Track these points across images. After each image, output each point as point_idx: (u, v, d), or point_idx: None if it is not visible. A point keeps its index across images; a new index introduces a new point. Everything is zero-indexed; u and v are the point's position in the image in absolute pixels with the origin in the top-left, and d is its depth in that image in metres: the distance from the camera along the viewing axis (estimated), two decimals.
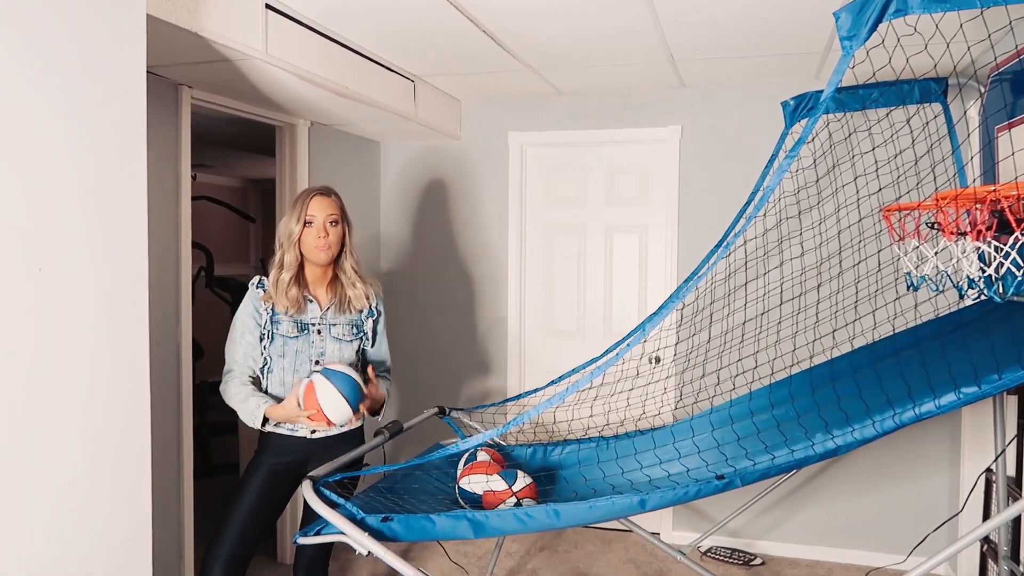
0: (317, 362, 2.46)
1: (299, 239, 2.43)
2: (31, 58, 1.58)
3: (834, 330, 3.17)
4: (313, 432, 2.48)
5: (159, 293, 2.88)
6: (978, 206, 2.07)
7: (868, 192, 3.44)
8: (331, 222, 2.44)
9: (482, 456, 2.59)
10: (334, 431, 2.50)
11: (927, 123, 3.27)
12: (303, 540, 2.05)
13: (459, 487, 2.43)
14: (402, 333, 4.43)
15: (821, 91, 2.30)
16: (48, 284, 1.63)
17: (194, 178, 3.22)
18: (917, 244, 2.48)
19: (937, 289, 2.43)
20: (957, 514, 3.23)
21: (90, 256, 1.74)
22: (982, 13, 1.82)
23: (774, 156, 3.07)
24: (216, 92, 3.12)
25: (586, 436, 3.00)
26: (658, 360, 3.91)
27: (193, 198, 3.13)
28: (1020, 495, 2.88)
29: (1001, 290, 2.12)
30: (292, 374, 2.44)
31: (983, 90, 3.10)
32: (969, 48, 2.82)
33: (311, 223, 2.42)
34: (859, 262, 3.43)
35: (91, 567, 1.75)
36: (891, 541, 3.74)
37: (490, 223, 4.33)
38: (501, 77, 3.73)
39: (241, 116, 3.40)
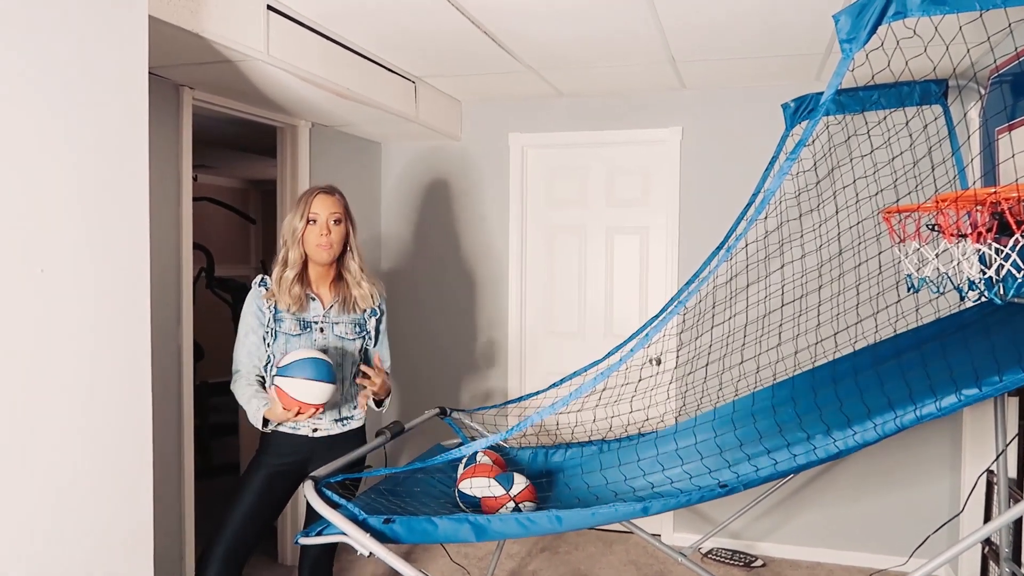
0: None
1: (302, 237, 2.44)
2: (32, 59, 1.59)
3: (835, 332, 3.17)
4: (315, 431, 2.48)
5: (160, 294, 2.88)
6: (978, 208, 2.08)
7: (868, 194, 3.44)
8: (334, 221, 2.45)
9: (482, 459, 2.59)
10: (336, 430, 2.51)
11: (927, 125, 3.27)
12: (304, 540, 2.05)
13: (459, 490, 2.43)
14: (403, 334, 4.43)
15: (821, 93, 2.31)
16: (49, 285, 1.63)
17: (195, 179, 3.22)
18: (918, 246, 2.48)
19: (938, 291, 2.44)
20: (958, 515, 3.23)
21: (91, 257, 1.74)
22: (981, 15, 1.82)
23: (775, 158, 3.08)
24: (217, 93, 3.12)
25: (588, 440, 3.00)
26: (659, 362, 3.91)
27: (194, 199, 3.13)
28: (1021, 496, 2.88)
29: (1002, 292, 2.12)
30: None
31: (983, 92, 3.10)
32: (969, 50, 2.82)
33: (314, 221, 2.43)
34: (860, 264, 3.43)
35: (92, 568, 1.75)
36: (892, 543, 3.74)
37: (491, 224, 4.33)
38: (502, 78, 3.74)
39: (242, 117, 3.40)
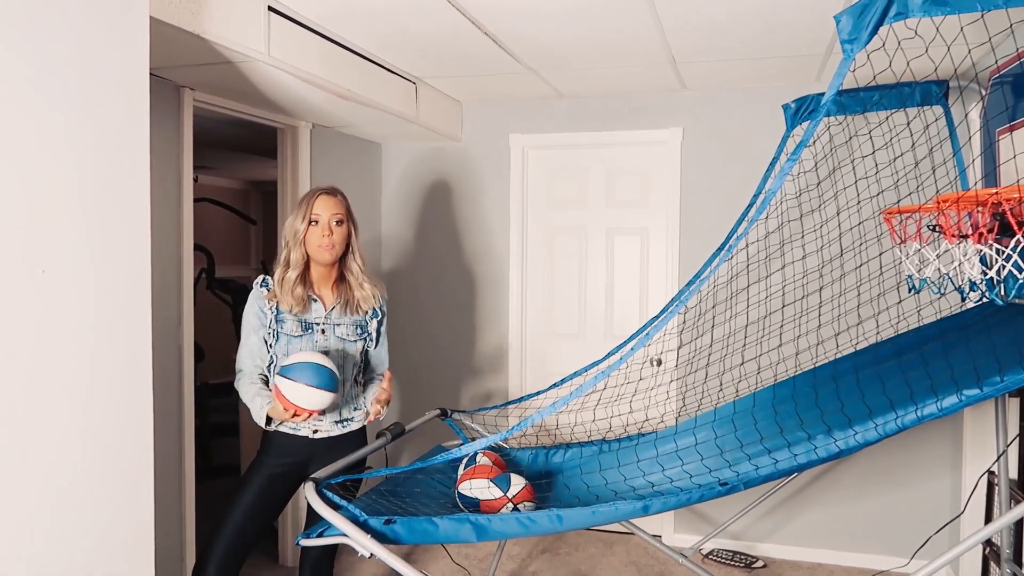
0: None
1: (304, 238, 2.44)
2: (33, 59, 1.59)
3: (836, 333, 3.17)
4: (315, 432, 2.48)
5: (161, 295, 2.88)
6: (979, 209, 2.07)
7: (869, 195, 3.43)
8: (336, 222, 2.45)
9: (482, 459, 2.59)
10: (336, 431, 2.51)
11: (928, 126, 3.27)
12: (305, 542, 2.05)
13: (458, 492, 2.43)
14: (403, 335, 4.43)
15: (822, 94, 2.31)
16: (50, 285, 1.63)
17: (195, 180, 3.22)
18: (919, 247, 2.48)
19: (939, 292, 2.44)
20: (958, 516, 3.23)
21: (92, 257, 1.74)
22: (983, 16, 1.82)
23: (775, 159, 3.08)
24: (218, 94, 3.12)
25: (588, 440, 2.99)
26: (659, 363, 3.91)
27: (194, 200, 3.13)
28: (1022, 498, 2.88)
29: (1003, 292, 2.12)
30: None
31: (984, 93, 3.10)
32: (970, 51, 2.82)
33: (316, 222, 2.43)
34: (861, 265, 3.43)
35: (92, 568, 1.75)
36: (893, 544, 3.74)
37: (491, 225, 4.33)
38: (502, 79, 3.74)
39: (243, 118, 3.40)
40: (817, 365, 2.88)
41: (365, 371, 2.61)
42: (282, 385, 2.22)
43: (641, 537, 3.16)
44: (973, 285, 2.30)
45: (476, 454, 2.59)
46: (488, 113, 4.29)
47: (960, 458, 3.55)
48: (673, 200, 4.01)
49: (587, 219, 4.23)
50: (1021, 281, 2.07)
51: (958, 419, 3.54)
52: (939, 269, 2.41)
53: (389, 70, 3.45)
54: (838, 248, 3.51)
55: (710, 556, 3.89)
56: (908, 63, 2.73)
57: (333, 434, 2.51)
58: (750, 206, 2.95)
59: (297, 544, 2.11)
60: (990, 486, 3.22)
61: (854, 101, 3.07)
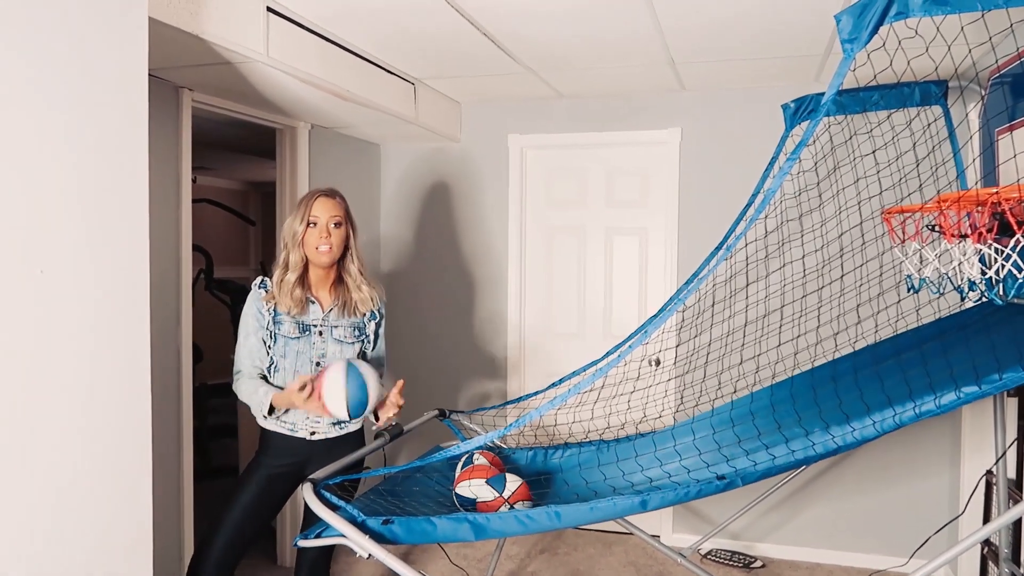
0: (318, 364, 2.46)
1: (302, 240, 2.43)
2: (32, 59, 1.58)
3: (835, 333, 3.17)
4: (312, 434, 2.48)
5: (160, 295, 2.87)
6: (979, 208, 2.08)
7: (869, 195, 3.44)
8: (334, 224, 2.44)
9: (479, 460, 2.58)
10: (334, 433, 2.50)
11: (928, 126, 3.27)
12: (304, 543, 2.04)
13: (455, 492, 2.43)
14: (402, 335, 4.42)
15: (822, 94, 2.31)
16: (49, 286, 1.63)
17: (194, 181, 3.22)
18: (918, 247, 2.48)
19: (938, 291, 2.44)
20: (958, 517, 3.23)
21: (91, 258, 1.74)
22: (983, 16, 1.82)
23: (774, 159, 3.08)
24: (217, 95, 3.12)
25: (586, 439, 2.99)
26: (658, 363, 3.91)
27: (193, 201, 3.13)
28: (1021, 497, 2.88)
29: (1002, 292, 2.12)
30: (294, 375, 2.44)
31: (984, 93, 3.10)
32: (970, 51, 2.82)
33: (314, 224, 2.42)
34: (860, 264, 3.43)
35: (92, 568, 1.74)
36: (891, 543, 3.74)
37: (490, 225, 4.33)
38: (501, 80, 3.74)
39: (241, 119, 3.40)
40: (816, 365, 2.89)
41: None
42: (335, 369, 2.25)
43: (640, 537, 3.16)
44: (972, 285, 2.30)
45: (473, 454, 2.59)
46: (487, 113, 4.29)
47: (959, 457, 3.55)
48: (672, 200, 4.01)
49: (586, 219, 4.23)
50: (1020, 281, 2.07)
51: (956, 418, 3.55)
52: (938, 269, 2.41)
53: (388, 71, 3.45)
54: (837, 248, 3.51)
55: (709, 556, 3.89)
56: (908, 63, 2.73)
57: (331, 436, 2.50)
58: (749, 205, 2.95)
59: (295, 545, 2.11)
60: (988, 486, 3.23)
61: (854, 101, 3.07)
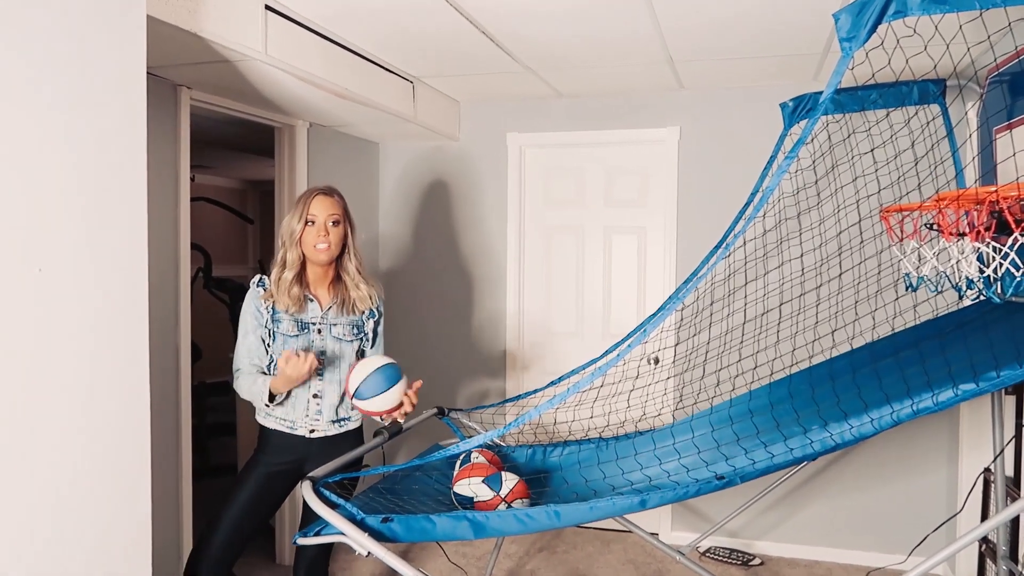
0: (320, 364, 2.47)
1: (300, 238, 2.43)
2: (32, 59, 1.58)
3: (833, 331, 3.17)
4: (312, 432, 2.48)
5: (158, 294, 2.87)
6: (977, 207, 2.08)
7: (867, 193, 3.44)
8: (332, 222, 2.44)
9: (478, 458, 2.59)
10: (333, 431, 2.50)
11: (926, 124, 3.27)
12: (303, 541, 2.04)
13: (454, 491, 2.43)
14: (401, 334, 4.42)
15: (820, 92, 2.31)
16: (48, 284, 1.63)
17: (193, 179, 3.22)
18: (916, 245, 2.48)
19: (936, 290, 2.44)
20: (956, 515, 3.24)
21: (90, 256, 1.74)
22: (981, 14, 1.82)
23: (773, 157, 3.08)
24: (215, 93, 3.12)
25: (586, 437, 3.00)
26: (657, 361, 3.91)
27: (192, 199, 3.13)
28: (1018, 495, 2.88)
29: (1000, 290, 2.12)
30: None
31: (982, 91, 3.10)
32: (968, 49, 2.82)
33: (312, 223, 2.42)
34: (859, 263, 3.43)
35: (91, 568, 1.75)
36: (889, 541, 3.75)
37: (489, 224, 4.33)
38: (500, 79, 3.74)
39: (240, 117, 3.40)
40: (814, 363, 2.89)
41: None
42: (377, 362, 2.33)
43: (638, 535, 3.17)
44: (970, 283, 2.30)
45: (471, 452, 2.59)
46: (486, 112, 4.29)
47: (957, 455, 3.55)
48: (671, 199, 4.01)
49: (585, 218, 4.23)
50: (1018, 279, 2.08)
51: (954, 416, 3.55)
52: (936, 267, 2.41)
53: (387, 69, 3.45)
54: (835, 246, 3.51)
55: (707, 554, 3.90)
56: (906, 61, 2.73)
57: (330, 433, 2.50)
58: (747, 204, 2.95)
59: (294, 543, 2.11)
60: (986, 484, 3.23)
61: (852, 99, 3.07)
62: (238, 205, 7.30)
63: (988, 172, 3.00)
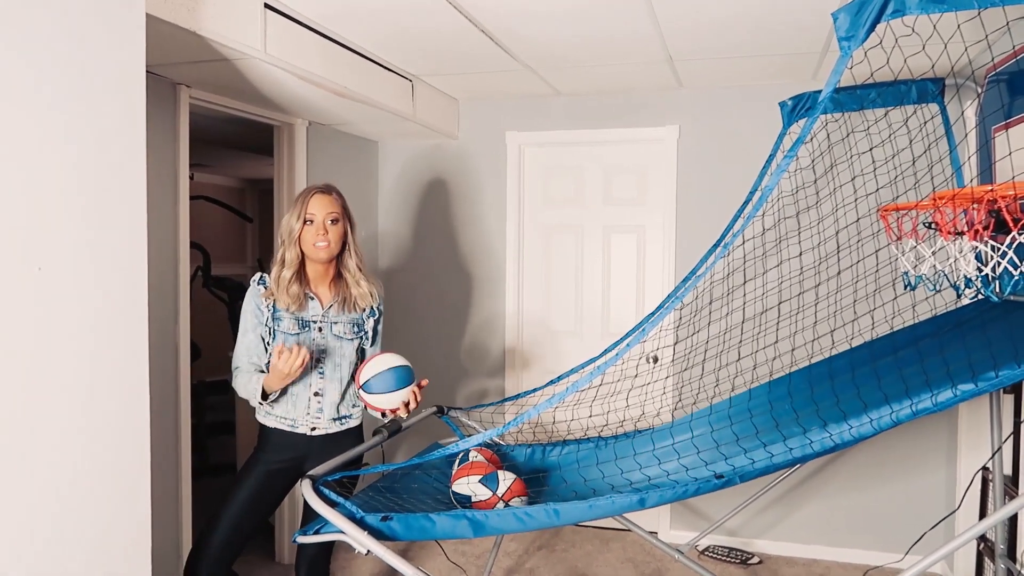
0: (318, 360, 2.47)
1: (299, 237, 2.43)
2: (32, 58, 1.58)
3: (832, 330, 3.18)
4: (313, 430, 2.48)
5: (157, 293, 2.87)
6: (975, 206, 2.08)
7: (866, 192, 3.44)
8: (331, 220, 2.44)
9: (476, 457, 2.59)
10: (334, 428, 2.51)
11: (924, 123, 3.28)
12: (302, 539, 2.05)
13: (452, 489, 2.43)
14: (400, 332, 4.42)
15: (819, 91, 2.31)
16: (48, 284, 1.63)
17: (192, 178, 3.21)
18: (915, 244, 2.48)
19: (934, 288, 2.44)
20: (954, 512, 3.24)
21: (90, 256, 1.74)
22: (979, 14, 1.82)
23: (772, 156, 3.08)
24: (214, 91, 3.12)
25: (585, 436, 3.00)
26: (656, 360, 3.92)
27: (191, 198, 3.12)
28: (1016, 493, 2.89)
29: (998, 289, 2.13)
30: None
31: (980, 90, 3.11)
32: (967, 48, 2.82)
33: (311, 221, 2.42)
34: (857, 262, 3.43)
35: (91, 567, 1.75)
36: (888, 539, 3.76)
37: (488, 223, 4.33)
38: (499, 77, 3.74)
39: (239, 116, 3.40)
40: (813, 362, 2.89)
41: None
42: (393, 359, 2.39)
43: (637, 533, 3.17)
44: (968, 282, 2.31)
45: (470, 451, 2.60)
46: (485, 111, 4.29)
47: (955, 454, 3.56)
48: (670, 198, 4.01)
49: (584, 217, 4.23)
50: (1016, 277, 2.08)
51: (953, 415, 3.56)
52: (935, 266, 2.41)
53: (386, 68, 3.44)
54: (834, 245, 3.52)
55: (706, 552, 3.91)
56: (905, 60, 2.73)
57: (331, 431, 2.51)
58: (746, 203, 2.95)
59: (294, 541, 2.11)
60: (984, 482, 3.24)
61: (851, 98, 3.07)
62: (237, 204, 7.29)
63: (986, 171, 3.00)
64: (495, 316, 4.33)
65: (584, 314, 4.25)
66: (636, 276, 4.16)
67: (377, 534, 1.99)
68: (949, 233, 2.21)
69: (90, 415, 1.74)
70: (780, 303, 3.47)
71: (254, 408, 2.51)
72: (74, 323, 1.69)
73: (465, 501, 2.39)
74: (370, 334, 2.61)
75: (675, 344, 3.80)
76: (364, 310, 2.57)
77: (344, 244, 2.51)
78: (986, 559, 3.19)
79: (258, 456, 2.48)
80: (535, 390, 3.01)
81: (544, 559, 3.82)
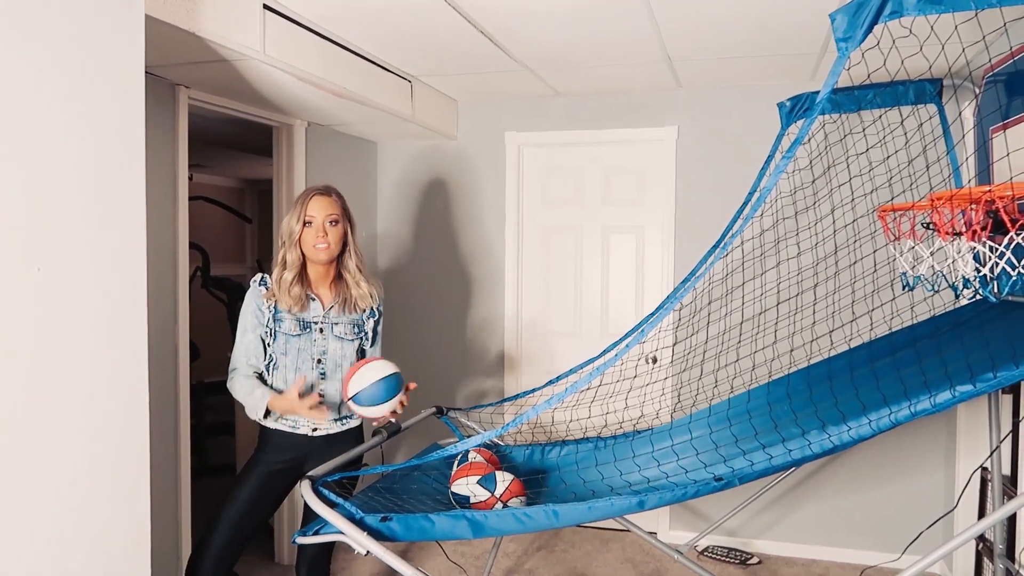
0: (319, 361, 2.47)
1: (299, 239, 2.44)
2: (31, 59, 1.58)
3: (831, 330, 3.18)
4: (314, 430, 2.48)
5: (157, 293, 2.87)
6: (973, 206, 2.09)
7: (864, 193, 3.45)
8: (331, 222, 2.45)
9: (475, 458, 2.59)
10: (335, 428, 2.51)
11: (922, 124, 3.28)
12: (302, 540, 2.05)
13: (451, 490, 2.44)
14: (399, 333, 4.43)
15: (817, 92, 2.31)
16: (47, 284, 1.63)
17: (191, 178, 3.21)
18: (913, 244, 2.49)
19: (933, 289, 2.45)
20: (951, 511, 3.25)
21: (89, 256, 1.74)
22: (977, 15, 1.83)
23: (771, 157, 3.09)
24: (213, 92, 3.12)
25: (584, 437, 3.00)
26: (655, 361, 3.92)
27: (190, 198, 3.13)
28: (1015, 493, 2.89)
29: (996, 290, 2.13)
30: (294, 372, 2.45)
31: (978, 91, 3.11)
32: (964, 49, 2.83)
33: (311, 223, 2.43)
34: (855, 262, 3.44)
35: (91, 567, 1.75)
36: (887, 539, 3.76)
37: (487, 223, 4.33)
38: (498, 78, 3.74)
39: (238, 116, 3.40)
40: (811, 362, 2.90)
41: None
42: (377, 365, 2.36)
43: (637, 534, 3.17)
44: (966, 282, 2.31)
45: (469, 452, 2.60)
46: (484, 111, 4.29)
47: (954, 454, 3.57)
48: (669, 198, 4.01)
49: (583, 217, 4.23)
50: (1014, 278, 2.08)
51: (952, 415, 3.56)
52: (933, 266, 2.42)
53: (385, 68, 3.45)
54: (832, 245, 3.52)
55: (705, 553, 3.91)
56: (902, 61, 2.74)
57: (332, 431, 2.51)
58: (745, 203, 2.96)
59: (294, 542, 2.11)
60: (983, 482, 3.24)
61: (849, 99, 3.08)
62: (236, 204, 7.29)
63: (984, 171, 3.01)
64: (494, 316, 4.33)
65: (583, 314, 4.25)
66: (635, 277, 4.17)
67: (376, 535, 2.00)
68: (947, 234, 2.21)
69: (90, 415, 1.74)
70: (779, 304, 3.47)
71: None
72: (74, 323, 1.70)
73: (464, 502, 2.39)
74: (370, 335, 2.61)
75: (674, 345, 3.80)
76: (364, 311, 2.58)
77: (344, 245, 2.52)
78: (985, 559, 3.20)
79: (259, 457, 2.48)
80: (534, 390, 3.01)
81: (543, 559, 3.82)
